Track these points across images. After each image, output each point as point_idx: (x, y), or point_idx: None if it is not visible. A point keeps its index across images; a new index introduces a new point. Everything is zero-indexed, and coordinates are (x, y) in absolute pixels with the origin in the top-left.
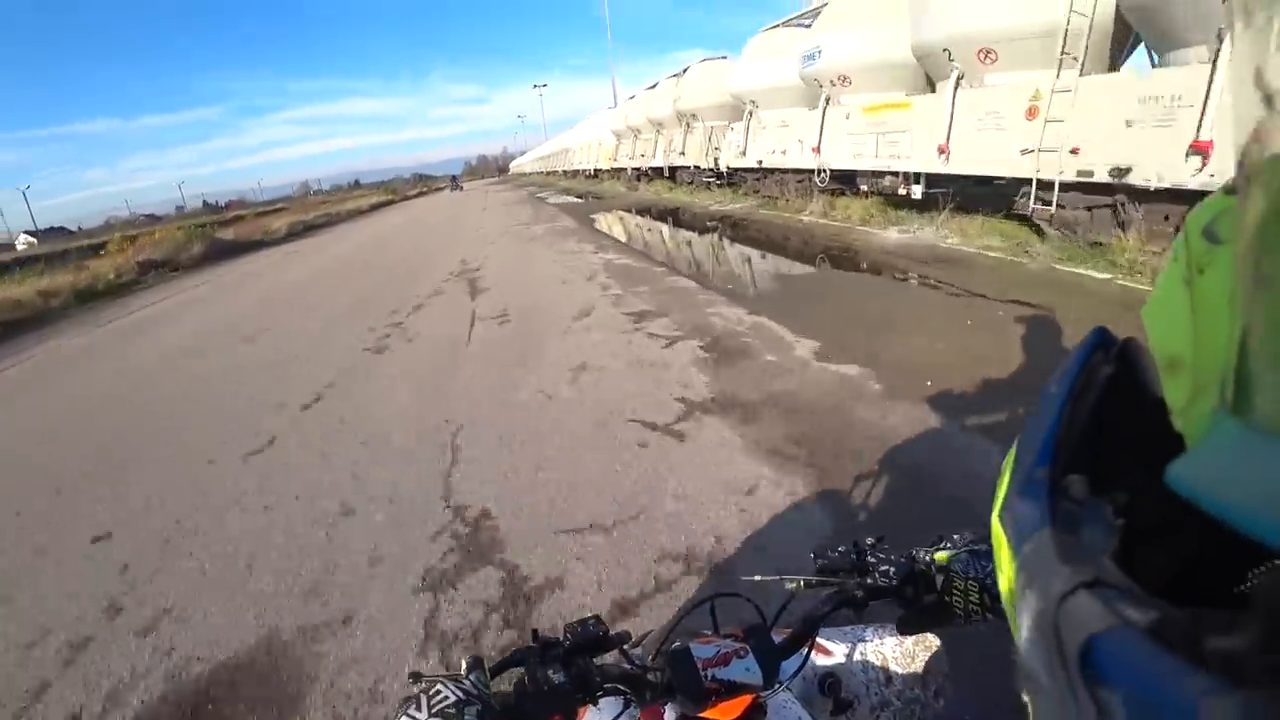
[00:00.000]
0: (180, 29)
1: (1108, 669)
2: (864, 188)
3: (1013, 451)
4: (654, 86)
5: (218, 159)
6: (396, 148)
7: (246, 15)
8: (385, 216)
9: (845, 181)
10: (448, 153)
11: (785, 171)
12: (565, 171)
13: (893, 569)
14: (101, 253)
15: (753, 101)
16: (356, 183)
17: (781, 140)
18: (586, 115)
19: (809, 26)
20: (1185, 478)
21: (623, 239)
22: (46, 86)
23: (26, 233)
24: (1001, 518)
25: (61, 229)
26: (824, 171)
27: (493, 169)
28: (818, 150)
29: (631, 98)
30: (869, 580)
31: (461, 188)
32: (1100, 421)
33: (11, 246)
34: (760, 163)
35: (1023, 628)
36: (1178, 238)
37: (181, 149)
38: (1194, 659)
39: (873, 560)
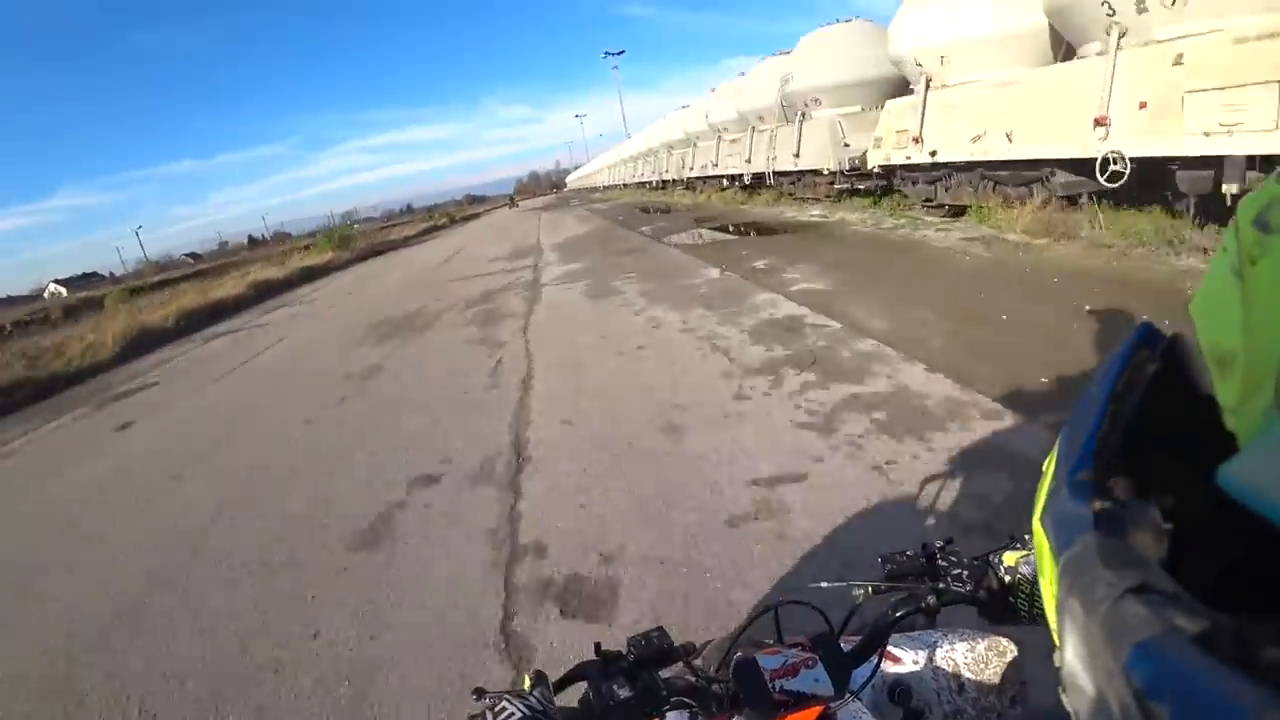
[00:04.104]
0: (251, 72)
1: (1155, 678)
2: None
3: (1054, 453)
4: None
5: (293, 189)
6: (451, 171)
7: (311, 52)
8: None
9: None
10: (501, 173)
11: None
12: (676, 180)
13: (965, 572)
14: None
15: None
16: (409, 207)
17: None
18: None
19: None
20: (1236, 478)
21: None
22: (147, 130)
23: (56, 281)
24: (1043, 521)
25: (94, 274)
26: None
27: (546, 186)
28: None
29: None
30: (941, 585)
31: (518, 205)
32: (1146, 421)
33: (40, 296)
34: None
35: (1066, 635)
36: (1228, 227)
37: (258, 183)
38: (1245, 669)
39: (943, 564)
